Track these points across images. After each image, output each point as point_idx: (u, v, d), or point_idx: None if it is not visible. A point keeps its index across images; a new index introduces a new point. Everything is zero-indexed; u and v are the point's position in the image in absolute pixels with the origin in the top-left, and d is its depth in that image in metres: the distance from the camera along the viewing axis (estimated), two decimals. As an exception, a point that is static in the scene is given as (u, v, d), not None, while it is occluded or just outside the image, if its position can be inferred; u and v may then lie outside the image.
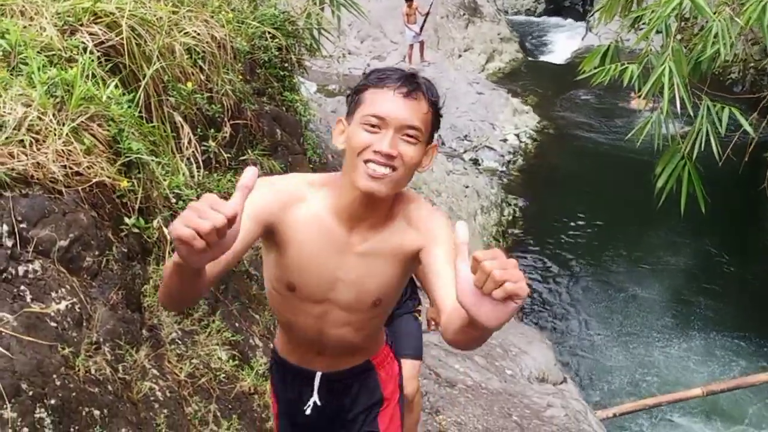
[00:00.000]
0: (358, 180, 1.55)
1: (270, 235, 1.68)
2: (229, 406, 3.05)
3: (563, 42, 18.96)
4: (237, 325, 3.46)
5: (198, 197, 3.38)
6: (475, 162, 11.88)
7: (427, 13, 14.32)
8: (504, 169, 11.93)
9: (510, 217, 10.41)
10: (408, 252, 1.67)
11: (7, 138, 2.25)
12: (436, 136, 1.68)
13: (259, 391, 3.26)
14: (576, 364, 7.20)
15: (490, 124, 12.84)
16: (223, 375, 3.09)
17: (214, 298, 3.38)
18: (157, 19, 3.41)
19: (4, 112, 2.32)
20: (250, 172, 1.20)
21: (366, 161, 1.53)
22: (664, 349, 7.62)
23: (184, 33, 3.72)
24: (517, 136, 12.83)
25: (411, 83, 1.56)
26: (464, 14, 17.41)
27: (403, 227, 1.67)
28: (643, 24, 5.39)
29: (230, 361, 3.19)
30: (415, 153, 1.56)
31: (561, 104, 14.59)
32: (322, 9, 5.76)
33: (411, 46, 14.75)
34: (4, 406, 1.93)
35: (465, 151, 12.10)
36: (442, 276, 1.54)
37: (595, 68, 5.17)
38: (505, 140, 12.62)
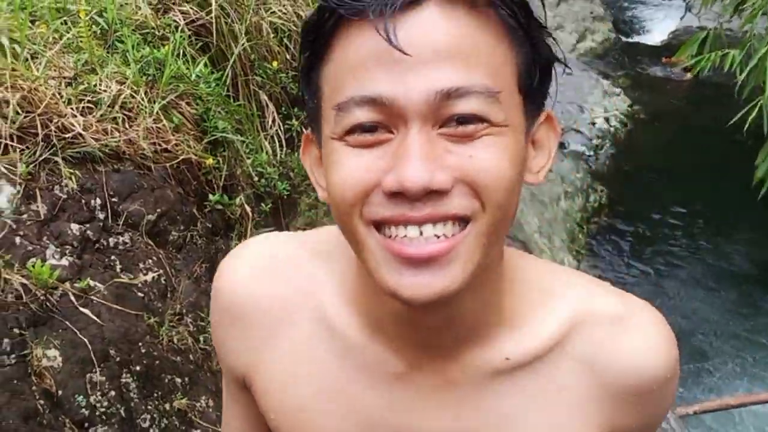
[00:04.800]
0: (384, 278, 0.67)
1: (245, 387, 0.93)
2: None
3: (660, 22, 18.07)
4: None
5: (280, 175, 3.40)
6: (561, 145, 11.55)
7: None
8: (591, 153, 11.57)
9: (596, 204, 10.09)
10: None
11: (102, 115, 2.36)
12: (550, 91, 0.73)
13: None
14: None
15: (578, 107, 12.45)
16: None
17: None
18: (245, -2, 3.47)
19: (100, 89, 2.43)
20: None
21: (377, 224, 0.67)
22: (760, 348, 7.26)
23: (271, 12, 3.78)
24: (607, 119, 12.42)
25: None
26: (556, -8, 16.93)
27: (572, 362, 0.82)
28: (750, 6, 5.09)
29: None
30: (496, 155, 0.65)
31: (655, 87, 14.00)
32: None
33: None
34: (94, 370, 2.04)
35: (551, 134, 11.83)
36: None
37: (693, 56, 4.90)
38: (593, 124, 12.24)
